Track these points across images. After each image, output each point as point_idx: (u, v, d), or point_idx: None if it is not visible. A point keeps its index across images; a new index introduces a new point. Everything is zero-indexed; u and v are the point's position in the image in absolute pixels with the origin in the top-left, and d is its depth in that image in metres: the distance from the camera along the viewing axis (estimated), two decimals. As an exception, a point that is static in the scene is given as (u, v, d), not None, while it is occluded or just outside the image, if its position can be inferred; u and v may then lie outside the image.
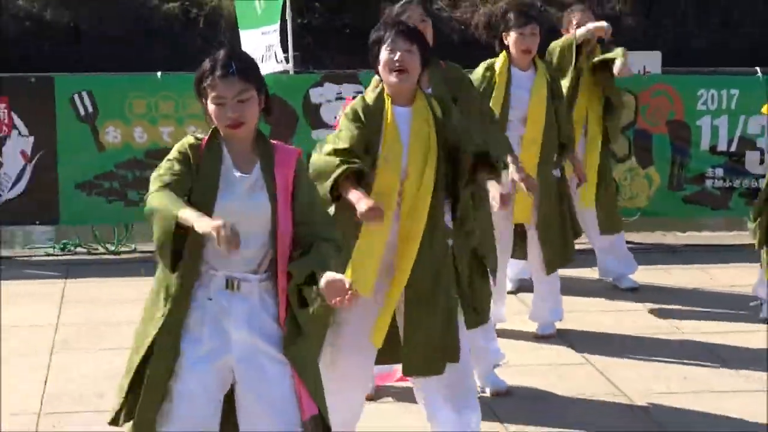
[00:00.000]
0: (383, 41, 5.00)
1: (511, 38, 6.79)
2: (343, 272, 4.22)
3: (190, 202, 3.98)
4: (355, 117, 5.00)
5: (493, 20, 23.33)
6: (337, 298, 3.85)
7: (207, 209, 4.02)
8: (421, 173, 4.94)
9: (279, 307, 4.20)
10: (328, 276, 3.85)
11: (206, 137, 4.16)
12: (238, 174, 4.15)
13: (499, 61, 6.86)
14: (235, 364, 4.10)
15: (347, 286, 3.83)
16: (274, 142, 4.36)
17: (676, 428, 6.15)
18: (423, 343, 4.86)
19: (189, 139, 4.20)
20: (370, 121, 4.92)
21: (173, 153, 4.16)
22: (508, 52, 6.82)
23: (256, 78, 4.19)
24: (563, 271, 7.87)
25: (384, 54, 4.96)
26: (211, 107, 4.08)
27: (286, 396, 4.11)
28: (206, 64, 4.14)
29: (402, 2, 6.22)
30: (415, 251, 4.90)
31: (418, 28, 5.55)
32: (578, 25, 8.23)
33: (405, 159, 4.92)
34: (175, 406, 3.94)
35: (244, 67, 4.14)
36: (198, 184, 4.09)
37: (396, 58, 4.86)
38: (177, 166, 4.18)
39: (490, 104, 6.55)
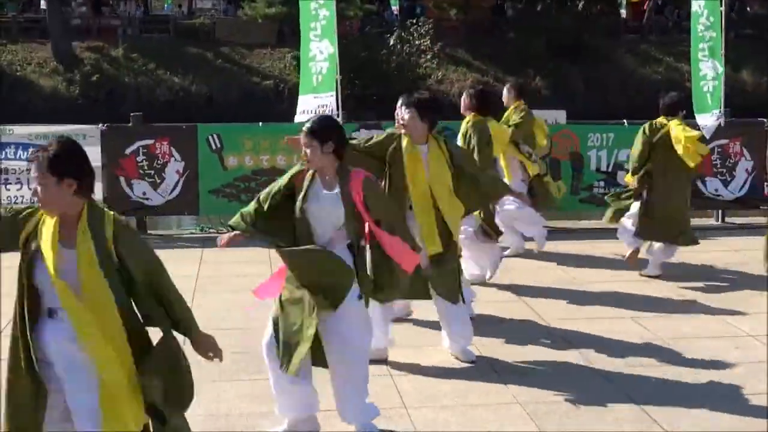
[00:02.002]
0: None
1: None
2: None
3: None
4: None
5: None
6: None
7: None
8: None
9: None
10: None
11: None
12: (324, 191, 5.48)
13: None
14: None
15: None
16: (351, 168, 5.58)
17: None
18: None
19: (297, 167, 5.61)
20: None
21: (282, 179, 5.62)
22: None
23: (317, 136, 5.40)
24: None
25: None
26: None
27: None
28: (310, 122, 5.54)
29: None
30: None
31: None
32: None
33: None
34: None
35: (311, 129, 5.45)
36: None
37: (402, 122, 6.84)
38: (276, 188, 5.56)
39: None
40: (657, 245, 9.81)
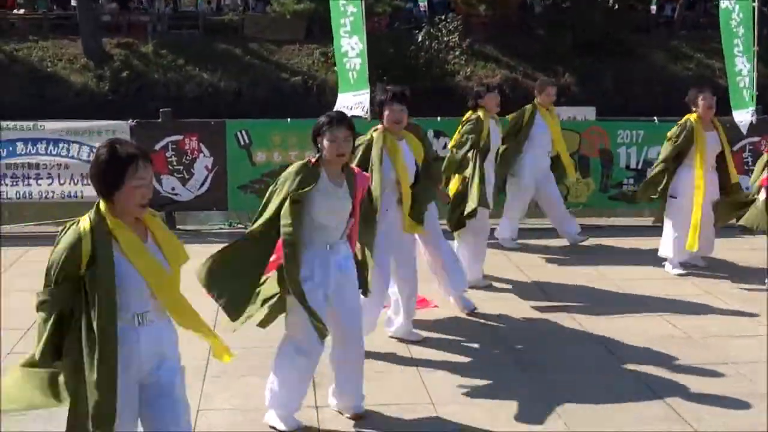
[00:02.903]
0: (384, 103, 7.00)
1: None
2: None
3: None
4: None
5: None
6: None
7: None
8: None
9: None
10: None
11: (313, 161, 5.52)
12: (332, 185, 5.56)
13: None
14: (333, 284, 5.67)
15: None
16: (353, 168, 5.82)
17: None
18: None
19: (302, 162, 5.57)
20: None
21: (294, 167, 5.54)
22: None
23: (353, 127, 5.53)
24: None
25: (386, 113, 6.99)
26: (326, 143, 5.46)
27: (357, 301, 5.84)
28: (324, 119, 5.54)
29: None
30: None
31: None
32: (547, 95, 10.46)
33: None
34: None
35: (349, 121, 5.57)
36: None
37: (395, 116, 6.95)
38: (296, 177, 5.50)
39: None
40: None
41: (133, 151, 4.17)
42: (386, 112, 6.99)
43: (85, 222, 4.16)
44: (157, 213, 4.44)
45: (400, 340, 7.44)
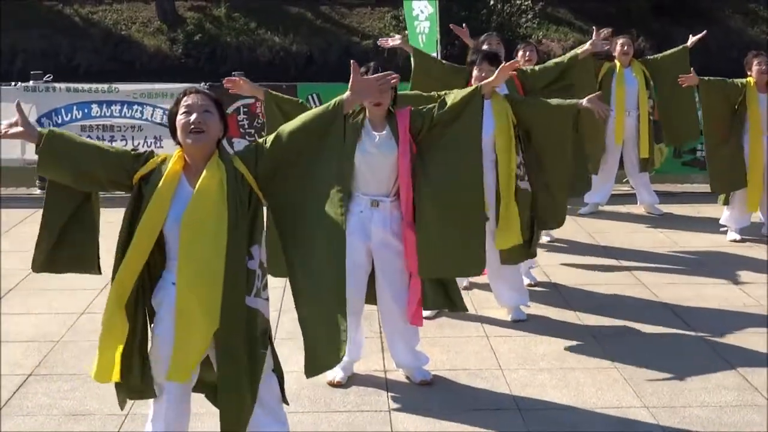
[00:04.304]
0: (475, 63, 6.95)
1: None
2: None
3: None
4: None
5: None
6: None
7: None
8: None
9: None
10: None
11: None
12: (375, 133, 5.57)
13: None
14: (373, 249, 5.69)
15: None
16: (397, 109, 5.63)
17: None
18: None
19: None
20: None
21: None
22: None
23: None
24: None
25: (475, 72, 6.91)
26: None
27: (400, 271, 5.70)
28: (371, 66, 5.49)
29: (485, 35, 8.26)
30: None
31: (496, 51, 7.43)
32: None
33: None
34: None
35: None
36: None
37: (483, 75, 6.70)
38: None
39: None
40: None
41: (188, 88, 4.29)
42: (475, 72, 6.92)
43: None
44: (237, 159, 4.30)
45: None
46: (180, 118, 4.19)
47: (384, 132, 5.65)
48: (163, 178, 4.15)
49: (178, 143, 4.28)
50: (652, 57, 10.93)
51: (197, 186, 4.13)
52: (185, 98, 4.23)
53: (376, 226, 5.71)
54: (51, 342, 6.75)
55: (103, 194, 4.58)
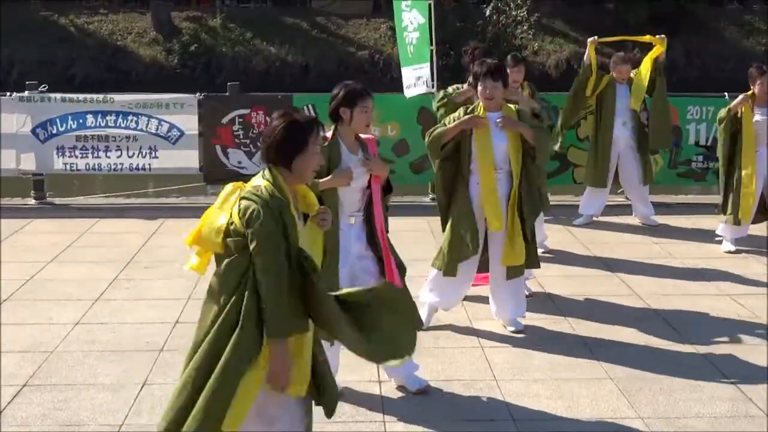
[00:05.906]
0: (479, 77, 6.88)
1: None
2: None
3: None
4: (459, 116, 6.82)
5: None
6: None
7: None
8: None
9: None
10: None
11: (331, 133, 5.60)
12: (353, 155, 5.69)
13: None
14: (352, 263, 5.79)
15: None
16: (363, 136, 5.79)
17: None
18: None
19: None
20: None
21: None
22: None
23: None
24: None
25: (480, 88, 6.88)
26: (356, 114, 5.60)
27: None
28: (352, 90, 5.64)
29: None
30: None
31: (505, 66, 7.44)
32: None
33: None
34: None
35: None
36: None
37: (488, 92, 6.80)
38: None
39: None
40: None
41: (312, 119, 4.33)
42: (479, 87, 6.92)
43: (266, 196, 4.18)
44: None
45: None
46: None
47: (359, 156, 5.75)
48: None
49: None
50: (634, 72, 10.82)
51: None
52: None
53: (354, 241, 5.80)
54: (45, 352, 6.70)
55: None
